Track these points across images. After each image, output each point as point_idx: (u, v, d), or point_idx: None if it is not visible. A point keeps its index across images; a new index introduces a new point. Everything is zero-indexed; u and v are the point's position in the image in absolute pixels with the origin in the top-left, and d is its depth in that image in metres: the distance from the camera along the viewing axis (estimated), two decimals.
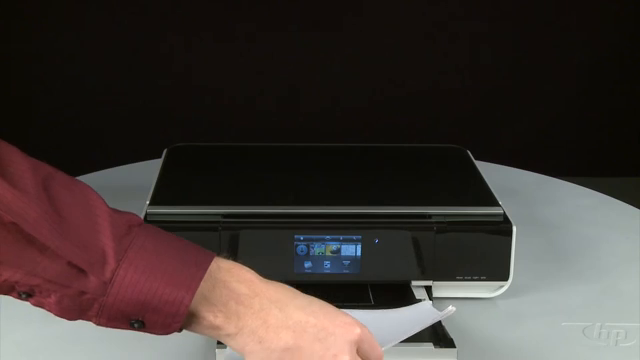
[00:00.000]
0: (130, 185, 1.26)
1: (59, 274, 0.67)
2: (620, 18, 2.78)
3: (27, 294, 0.69)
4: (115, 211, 0.71)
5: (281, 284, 0.74)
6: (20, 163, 0.68)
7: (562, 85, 2.83)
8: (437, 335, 0.95)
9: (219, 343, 0.91)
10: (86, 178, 1.40)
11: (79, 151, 2.74)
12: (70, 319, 0.71)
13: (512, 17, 2.75)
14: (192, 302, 0.69)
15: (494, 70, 2.81)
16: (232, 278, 0.71)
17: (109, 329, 0.96)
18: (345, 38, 2.75)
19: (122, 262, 0.67)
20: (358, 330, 0.72)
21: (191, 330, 0.71)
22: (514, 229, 1.01)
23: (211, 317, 0.70)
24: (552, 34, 2.77)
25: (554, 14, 2.75)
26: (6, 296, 0.80)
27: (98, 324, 0.70)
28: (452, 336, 0.94)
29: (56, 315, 0.71)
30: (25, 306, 1.01)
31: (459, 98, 2.82)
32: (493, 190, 1.10)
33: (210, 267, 0.71)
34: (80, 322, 0.97)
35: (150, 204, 1.04)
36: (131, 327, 0.70)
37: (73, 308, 0.69)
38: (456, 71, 2.80)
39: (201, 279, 0.69)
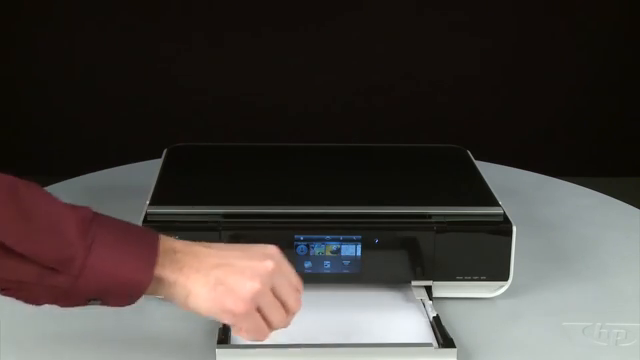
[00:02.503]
0: (130, 185, 1.26)
1: (34, 276, 0.74)
2: (620, 18, 2.78)
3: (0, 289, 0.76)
4: (72, 207, 0.76)
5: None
6: None
7: (562, 85, 2.83)
8: (437, 335, 0.95)
9: (219, 343, 0.91)
10: (86, 178, 1.40)
11: (79, 151, 2.74)
12: (37, 305, 0.78)
13: (512, 17, 2.75)
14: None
15: (494, 70, 2.81)
16: (168, 241, 0.80)
17: (109, 329, 0.97)
18: (345, 38, 2.75)
19: (88, 257, 0.74)
20: (274, 247, 0.83)
21: (148, 294, 0.79)
22: (514, 229, 1.01)
23: (161, 273, 0.78)
24: (552, 34, 2.77)
25: (554, 14, 2.75)
26: (6, 296, 0.81)
27: (61, 306, 0.78)
28: (452, 336, 0.94)
29: (23, 302, 0.77)
30: (25, 306, 1.01)
31: (459, 98, 2.81)
32: (493, 190, 1.10)
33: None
34: (80, 323, 0.98)
35: (150, 204, 1.04)
36: (87, 304, 0.78)
37: (42, 297, 0.76)
38: (456, 71, 2.79)
39: (156, 259, 0.78)
